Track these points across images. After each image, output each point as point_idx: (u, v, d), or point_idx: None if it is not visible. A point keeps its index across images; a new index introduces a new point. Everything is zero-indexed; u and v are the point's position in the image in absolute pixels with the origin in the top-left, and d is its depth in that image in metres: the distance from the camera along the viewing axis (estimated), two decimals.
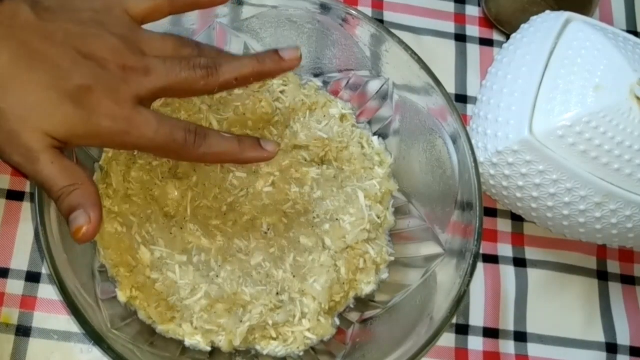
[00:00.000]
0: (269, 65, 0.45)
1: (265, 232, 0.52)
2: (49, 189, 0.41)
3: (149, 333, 0.49)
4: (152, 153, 0.48)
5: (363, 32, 0.55)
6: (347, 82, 0.58)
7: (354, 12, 0.54)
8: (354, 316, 0.53)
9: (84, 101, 0.40)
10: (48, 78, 0.40)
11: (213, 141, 0.44)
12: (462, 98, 0.64)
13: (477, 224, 0.49)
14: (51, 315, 0.51)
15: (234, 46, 0.57)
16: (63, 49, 0.41)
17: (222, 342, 0.49)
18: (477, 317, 0.57)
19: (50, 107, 0.40)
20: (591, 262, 0.60)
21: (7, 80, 0.40)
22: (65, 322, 0.51)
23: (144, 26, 0.46)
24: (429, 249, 0.53)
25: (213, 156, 0.45)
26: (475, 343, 0.56)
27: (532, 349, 0.57)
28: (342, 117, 0.58)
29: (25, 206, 0.54)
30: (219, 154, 0.45)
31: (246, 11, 0.55)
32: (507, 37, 0.61)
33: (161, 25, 0.47)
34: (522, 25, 0.59)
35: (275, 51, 0.46)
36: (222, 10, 0.55)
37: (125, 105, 0.41)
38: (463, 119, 0.52)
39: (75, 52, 0.41)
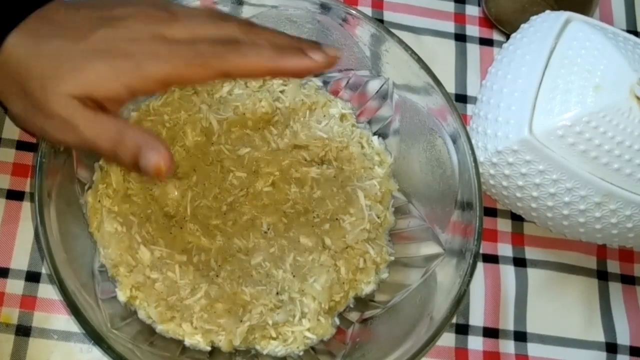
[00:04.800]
0: (290, 64, 0.41)
1: (266, 232, 0.52)
2: (99, 148, 0.40)
3: (149, 333, 0.49)
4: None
5: (363, 32, 0.55)
6: (347, 82, 0.58)
7: (354, 12, 0.54)
8: (354, 316, 0.53)
9: (112, 53, 0.40)
10: (68, 43, 0.40)
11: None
12: (462, 98, 0.64)
13: (477, 224, 0.49)
14: (51, 315, 0.51)
15: None
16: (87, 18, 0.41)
17: (222, 342, 0.49)
18: (477, 317, 0.57)
19: (76, 65, 0.40)
20: (591, 262, 0.60)
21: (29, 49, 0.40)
22: (65, 322, 0.51)
23: None
24: (429, 249, 0.53)
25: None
26: (475, 343, 0.56)
27: (532, 349, 0.57)
28: (342, 117, 0.58)
29: (25, 206, 0.54)
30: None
31: (246, 11, 0.55)
32: (507, 37, 0.61)
33: None
34: (522, 25, 0.59)
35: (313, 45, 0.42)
36: (222, 10, 0.55)
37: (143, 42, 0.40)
38: (463, 119, 0.52)
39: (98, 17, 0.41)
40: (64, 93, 0.39)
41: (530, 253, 0.60)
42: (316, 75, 0.59)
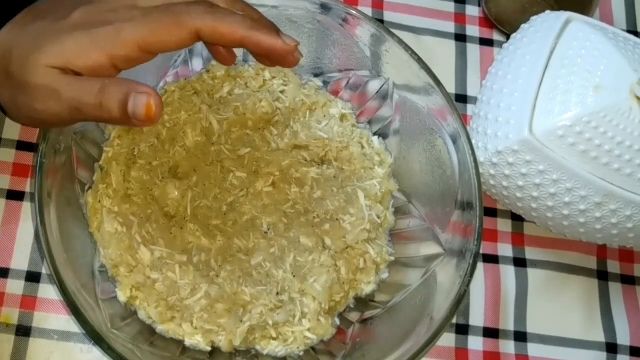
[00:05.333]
0: (261, 38, 0.40)
1: (266, 232, 0.52)
2: (84, 104, 0.39)
3: (149, 333, 0.49)
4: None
5: (363, 32, 0.55)
6: (347, 82, 0.58)
7: (354, 12, 0.54)
8: (354, 316, 0.53)
9: (90, 24, 0.40)
10: (48, 22, 0.40)
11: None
12: (462, 98, 0.64)
13: (477, 224, 0.49)
14: (51, 315, 0.51)
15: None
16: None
17: (222, 342, 0.49)
18: (477, 317, 0.57)
19: (54, 39, 0.40)
20: (591, 262, 0.60)
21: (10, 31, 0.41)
22: (65, 322, 0.51)
23: None
24: (429, 248, 0.53)
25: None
26: (476, 343, 0.56)
27: (532, 349, 0.57)
28: (342, 117, 0.58)
29: (25, 206, 0.54)
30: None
31: None
32: (507, 37, 0.61)
33: None
34: (522, 25, 0.59)
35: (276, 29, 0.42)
36: None
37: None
38: (463, 119, 0.52)
39: None
40: (42, 64, 0.39)
41: (530, 253, 0.60)
42: (316, 75, 0.59)
